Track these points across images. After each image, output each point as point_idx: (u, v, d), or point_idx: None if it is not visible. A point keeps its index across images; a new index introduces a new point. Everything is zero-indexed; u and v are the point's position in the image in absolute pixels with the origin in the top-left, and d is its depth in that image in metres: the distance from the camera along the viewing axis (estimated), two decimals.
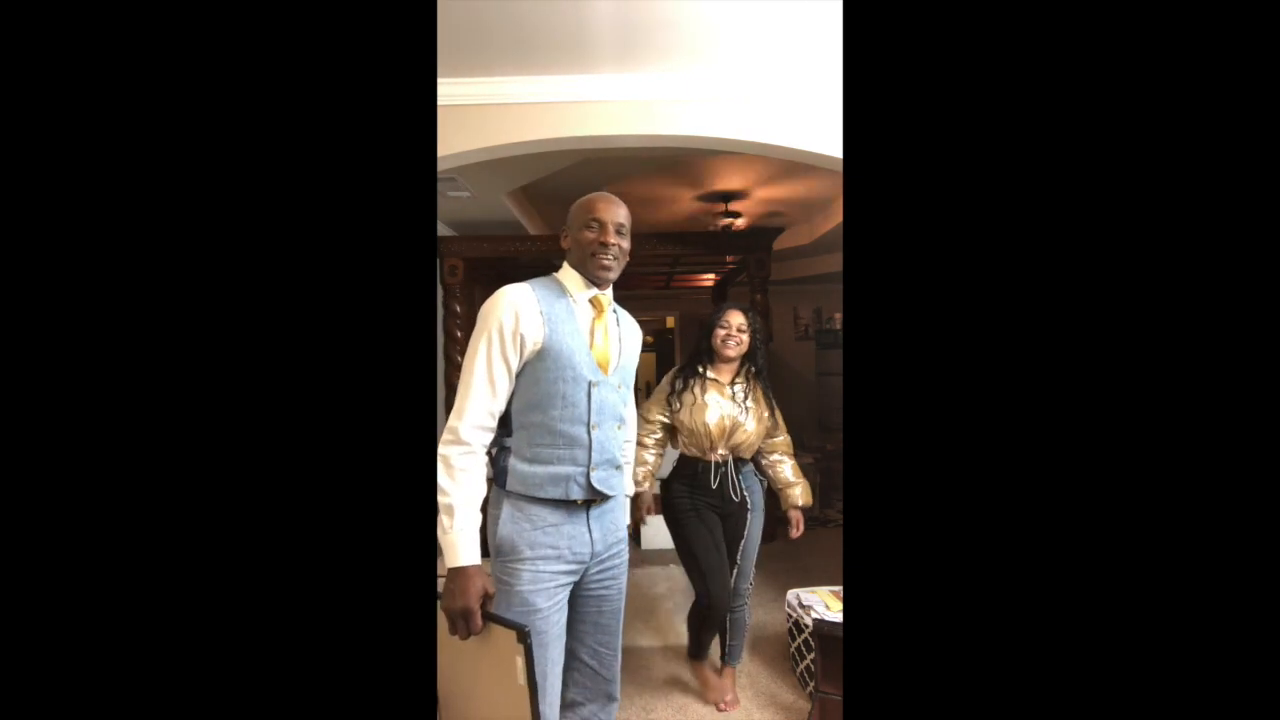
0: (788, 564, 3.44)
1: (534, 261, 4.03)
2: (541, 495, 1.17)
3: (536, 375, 1.17)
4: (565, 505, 1.18)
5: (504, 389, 1.16)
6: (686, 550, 1.96)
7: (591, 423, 1.18)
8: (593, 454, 1.18)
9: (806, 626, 2.09)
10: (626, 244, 1.26)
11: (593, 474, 1.18)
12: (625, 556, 1.31)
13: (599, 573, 1.25)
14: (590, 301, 1.25)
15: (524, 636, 1.02)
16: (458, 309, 3.92)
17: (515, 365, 1.16)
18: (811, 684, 2.06)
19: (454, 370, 3.90)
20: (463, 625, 1.06)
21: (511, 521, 1.17)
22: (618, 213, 1.24)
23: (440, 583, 1.16)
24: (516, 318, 1.15)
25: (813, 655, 2.02)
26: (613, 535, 1.26)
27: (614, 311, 1.31)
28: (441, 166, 2.42)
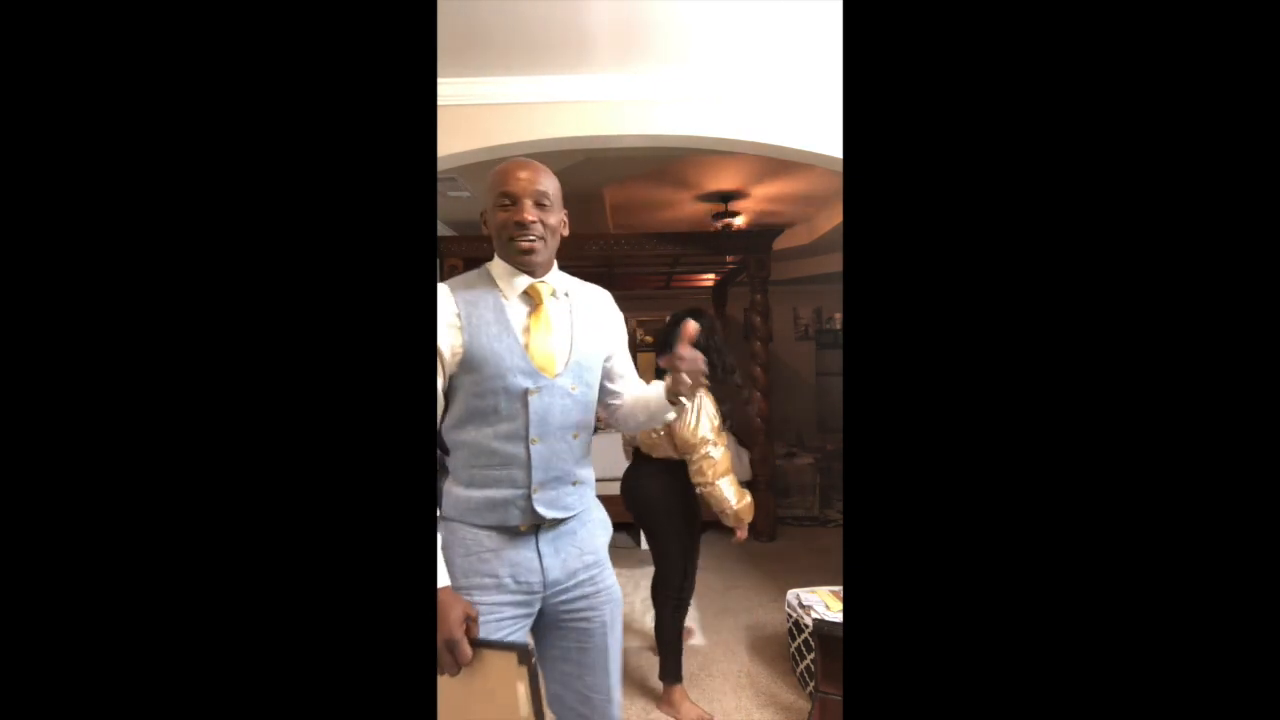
0: (788, 564, 3.44)
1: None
2: (479, 521, 1.02)
3: (463, 389, 1.02)
4: (507, 530, 1.02)
5: None
6: (684, 543, 2.02)
7: (531, 436, 1.01)
8: (533, 473, 1.01)
9: (806, 626, 2.09)
10: (554, 218, 1.06)
11: (535, 495, 1.01)
12: (606, 583, 1.10)
13: (568, 602, 1.06)
14: (526, 293, 1.05)
15: (526, 657, 0.88)
16: None
17: (438, 381, 1.01)
18: (811, 684, 2.06)
19: None
20: (449, 659, 0.91)
21: (444, 548, 1.03)
22: (533, 180, 1.03)
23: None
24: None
25: (813, 655, 2.02)
26: (577, 560, 1.07)
27: (564, 296, 1.10)
28: (441, 166, 2.43)
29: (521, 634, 1.03)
